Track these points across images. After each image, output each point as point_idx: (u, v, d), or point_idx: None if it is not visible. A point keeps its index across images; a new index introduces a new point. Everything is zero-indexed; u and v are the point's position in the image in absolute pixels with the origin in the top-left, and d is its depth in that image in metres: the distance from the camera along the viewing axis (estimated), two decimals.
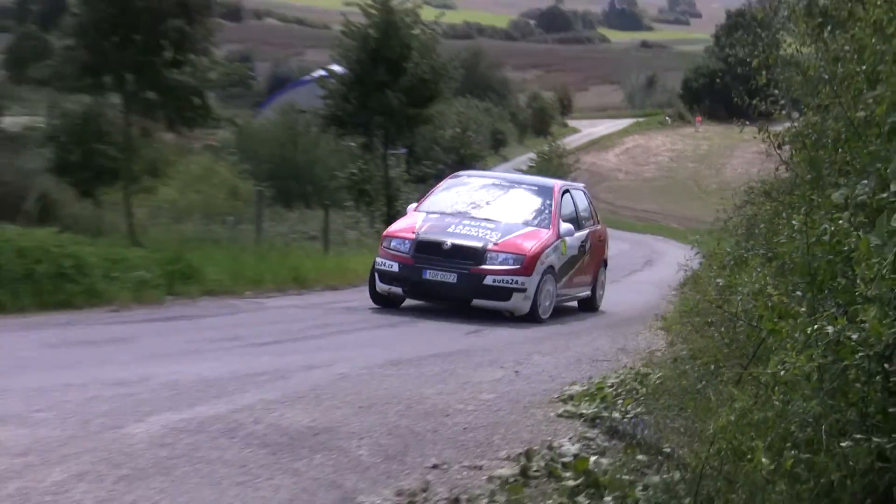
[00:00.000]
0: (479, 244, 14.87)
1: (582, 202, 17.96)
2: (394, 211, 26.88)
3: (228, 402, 8.78)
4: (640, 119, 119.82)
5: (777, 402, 4.74)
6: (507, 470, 7.21)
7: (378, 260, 15.27)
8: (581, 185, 20.36)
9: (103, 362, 10.64)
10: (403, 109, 33.49)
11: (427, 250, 14.87)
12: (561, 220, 16.09)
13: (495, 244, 14.90)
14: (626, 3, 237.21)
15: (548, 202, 16.41)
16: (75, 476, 6.49)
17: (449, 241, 14.86)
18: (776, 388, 4.76)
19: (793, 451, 4.53)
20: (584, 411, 9.08)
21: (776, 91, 8.57)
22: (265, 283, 16.85)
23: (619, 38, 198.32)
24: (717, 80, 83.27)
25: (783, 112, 8.91)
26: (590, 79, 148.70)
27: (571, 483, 6.76)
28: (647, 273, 29.94)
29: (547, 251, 15.32)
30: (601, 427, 8.47)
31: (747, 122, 10.13)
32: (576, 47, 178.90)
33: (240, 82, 45.03)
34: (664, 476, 6.09)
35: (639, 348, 11.89)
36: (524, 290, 14.78)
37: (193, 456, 7.13)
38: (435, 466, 7.34)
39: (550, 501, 6.49)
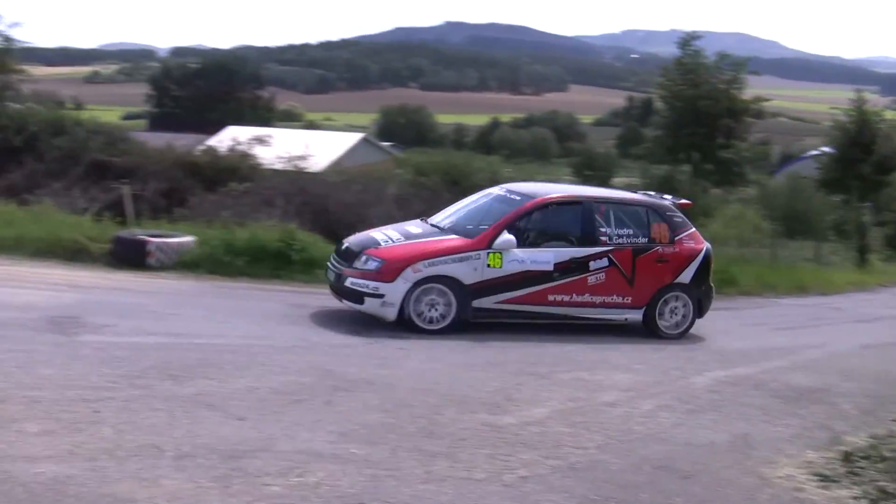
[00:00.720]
0: (359, 247, 9.31)
1: (609, 219, 9.54)
2: (864, 242, 24.52)
3: (755, 366, 8.54)
4: None
5: None
6: None
7: None
8: (660, 201, 10.34)
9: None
10: (871, 177, 32.20)
11: (337, 251, 9.73)
12: (505, 232, 9.09)
13: (375, 249, 9.13)
14: None
15: (504, 215, 9.40)
16: (659, 407, 6.64)
17: (345, 244, 9.70)
18: None
19: None
20: None
21: None
22: (779, 288, 15.69)
23: None
24: None
25: None
26: None
27: None
28: None
29: (434, 259, 8.91)
30: None
31: None
32: None
33: (763, 158, 43.75)
34: None
35: None
36: (380, 296, 8.80)
37: (734, 400, 7.07)
38: None
39: None
